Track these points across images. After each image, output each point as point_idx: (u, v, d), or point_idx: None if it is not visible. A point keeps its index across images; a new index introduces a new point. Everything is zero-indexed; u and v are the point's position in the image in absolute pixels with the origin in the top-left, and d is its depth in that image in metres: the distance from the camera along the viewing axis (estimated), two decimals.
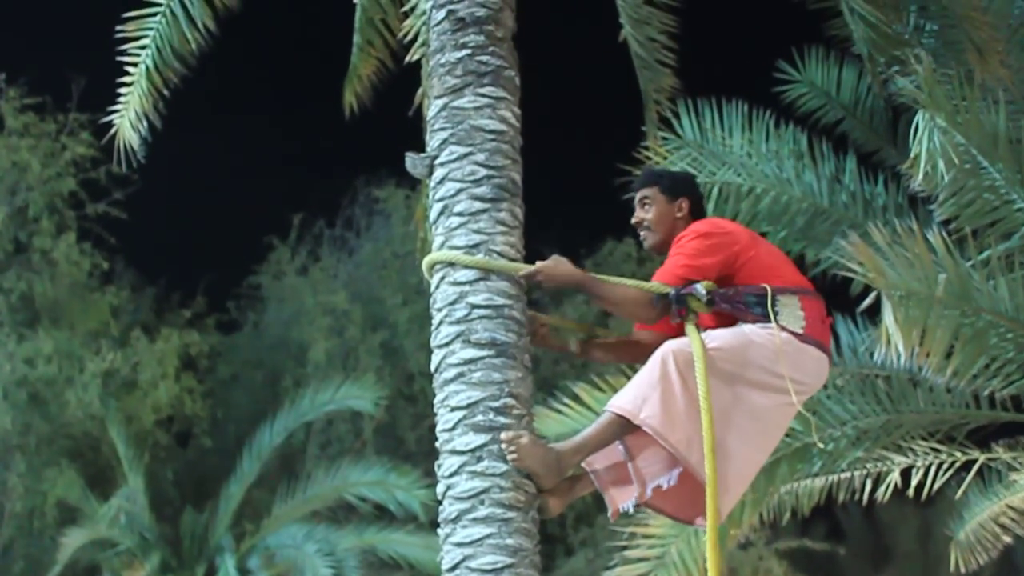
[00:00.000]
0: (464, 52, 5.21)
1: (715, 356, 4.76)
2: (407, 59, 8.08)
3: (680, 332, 4.92)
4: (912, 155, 7.90)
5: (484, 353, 4.78)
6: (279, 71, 22.27)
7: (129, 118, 7.91)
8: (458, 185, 5.02)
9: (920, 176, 7.88)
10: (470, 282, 4.87)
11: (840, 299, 8.09)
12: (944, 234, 8.23)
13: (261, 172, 22.43)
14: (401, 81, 8.61)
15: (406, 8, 8.09)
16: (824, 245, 9.77)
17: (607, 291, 4.95)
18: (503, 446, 4.65)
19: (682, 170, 5.13)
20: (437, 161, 5.12)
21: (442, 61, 5.26)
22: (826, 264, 9.48)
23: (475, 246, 4.91)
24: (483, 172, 5.03)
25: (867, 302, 7.60)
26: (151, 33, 7.87)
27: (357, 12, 8.38)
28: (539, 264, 4.92)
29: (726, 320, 4.94)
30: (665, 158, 9.61)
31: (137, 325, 18.59)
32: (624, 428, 4.74)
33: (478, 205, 4.98)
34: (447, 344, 4.85)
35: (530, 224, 5.22)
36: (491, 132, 5.10)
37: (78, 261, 17.84)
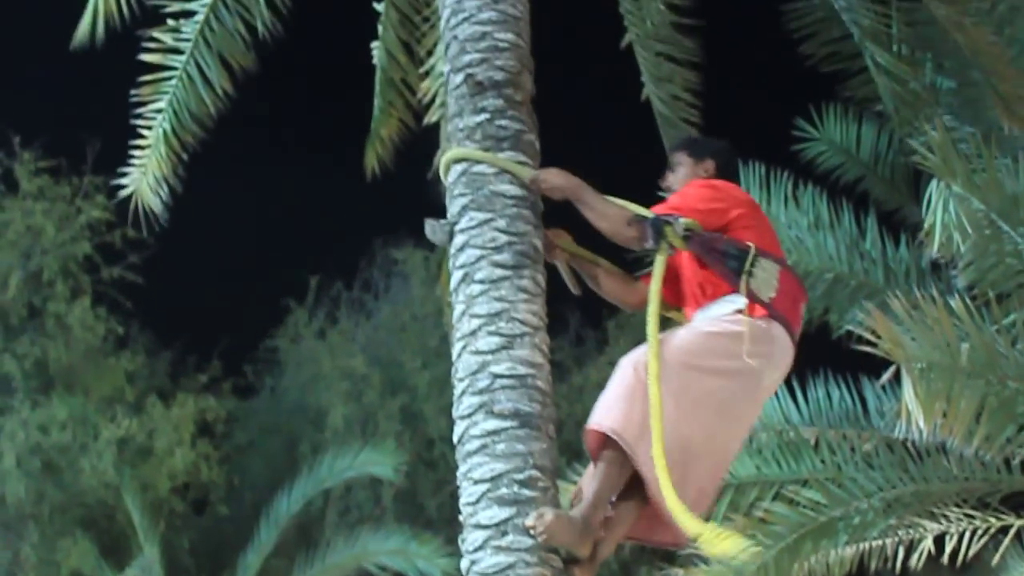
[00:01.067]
0: (483, 116, 5.22)
1: (680, 351, 4.73)
2: (426, 120, 8.14)
3: (677, 300, 5.10)
4: (926, 226, 7.89)
5: (507, 424, 4.74)
6: (295, 132, 22.40)
7: (148, 183, 7.98)
8: (479, 252, 5.01)
9: (936, 247, 7.86)
10: (492, 351, 4.85)
11: (867, 361, 8.02)
12: (967, 299, 8.16)
13: (277, 234, 22.49)
14: (418, 140, 8.66)
15: (425, 69, 8.15)
16: (846, 310, 9.74)
17: (596, 202, 5.00)
18: (530, 530, 4.60)
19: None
20: (457, 227, 5.12)
21: (460, 126, 5.27)
22: (847, 328, 9.44)
23: (497, 314, 4.89)
24: (504, 238, 5.02)
25: (887, 375, 7.52)
26: (167, 97, 7.94)
27: (377, 73, 8.45)
28: (540, 171, 5.09)
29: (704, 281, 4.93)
30: None
31: (152, 390, 18.58)
32: (621, 462, 4.67)
33: (499, 272, 4.96)
34: (470, 415, 4.82)
35: (552, 288, 5.21)
36: (511, 198, 5.09)
37: (93, 326, 17.86)
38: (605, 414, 4.70)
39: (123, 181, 8.11)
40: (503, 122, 5.20)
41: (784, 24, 9.63)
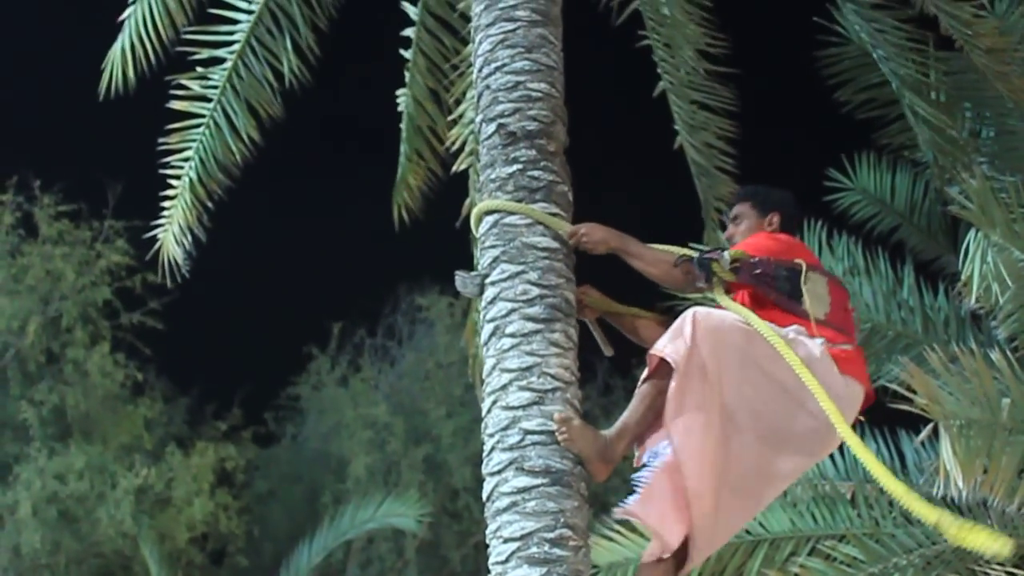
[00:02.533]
0: (515, 167, 5.27)
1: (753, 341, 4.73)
2: (454, 168, 8.19)
3: None
4: (964, 276, 7.88)
5: (538, 481, 4.77)
6: (319, 177, 22.51)
7: (173, 231, 8.07)
8: (510, 305, 5.05)
9: (973, 298, 7.85)
10: (523, 407, 4.87)
11: (904, 415, 8.00)
12: (1007, 352, 8.12)
13: (300, 280, 22.57)
14: (444, 186, 8.72)
15: (453, 116, 8.21)
16: (883, 362, 9.71)
17: (641, 251, 5.09)
18: (555, 427, 4.73)
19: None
20: (488, 280, 5.15)
21: (492, 176, 5.31)
22: (885, 379, 9.41)
23: (528, 368, 4.93)
24: (536, 291, 5.06)
25: (924, 433, 7.49)
26: (194, 145, 8.04)
27: (404, 120, 8.51)
28: (581, 225, 5.15)
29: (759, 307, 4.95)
30: None
31: (171, 438, 18.62)
32: (656, 395, 4.74)
33: (531, 326, 5.00)
34: (499, 471, 4.84)
35: (580, 338, 5.24)
36: (543, 250, 5.14)
37: (111, 372, 17.93)
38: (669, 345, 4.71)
39: (154, 233, 8.21)
40: (536, 173, 5.25)
41: (818, 71, 9.67)
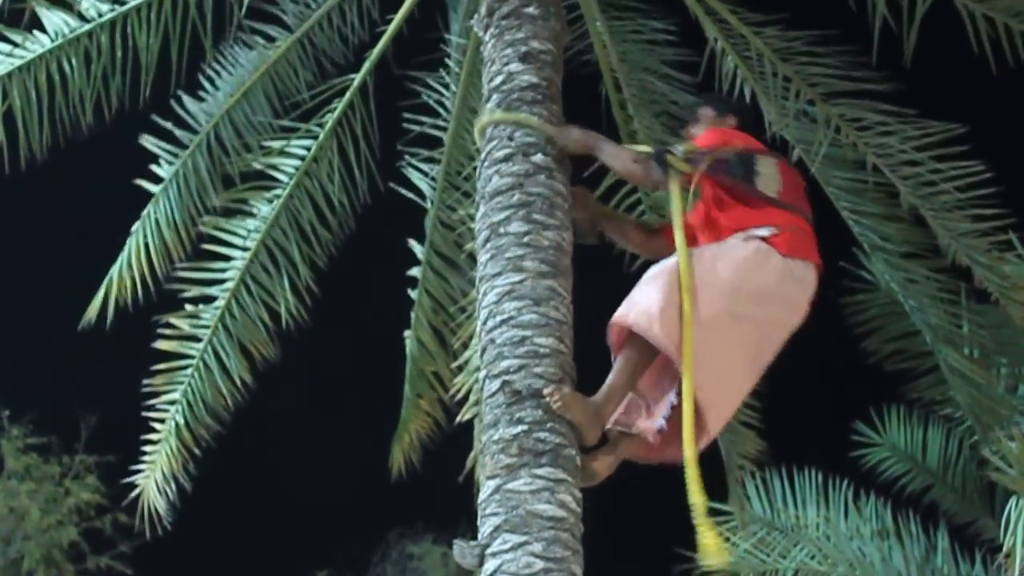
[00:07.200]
0: (520, 428, 5.27)
1: (709, 271, 5.30)
2: (459, 418, 8.16)
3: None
4: (1005, 548, 7.84)
5: None
6: (305, 415, 22.55)
7: (155, 479, 8.02)
8: None
9: (1017, 570, 7.80)
10: None
11: None
12: None
13: (282, 525, 22.40)
14: (439, 426, 8.70)
15: (459, 363, 8.21)
16: None
17: (610, 147, 5.82)
18: (547, 397, 5.14)
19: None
20: (489, 551, 5.10)
21: (495, 437, 5.30)
22: None
23: None
24: (540, 564, 5.01)
25: None
26: (181, 387, 8.03)
27: (407, 363, 8.53)
28: (562, 127, 5.86)
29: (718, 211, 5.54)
30: (727, 539, 9.57)
31: None
32: (638, 359, 5.29)
33: None
34: None
35: None
36: (549, 519, 5.10)
37: None
38: (629, 308, 5.30)
39: (134, 479, 8.17)
40: (542, 435, 5.24)
41: (843, 319, 9.71)
